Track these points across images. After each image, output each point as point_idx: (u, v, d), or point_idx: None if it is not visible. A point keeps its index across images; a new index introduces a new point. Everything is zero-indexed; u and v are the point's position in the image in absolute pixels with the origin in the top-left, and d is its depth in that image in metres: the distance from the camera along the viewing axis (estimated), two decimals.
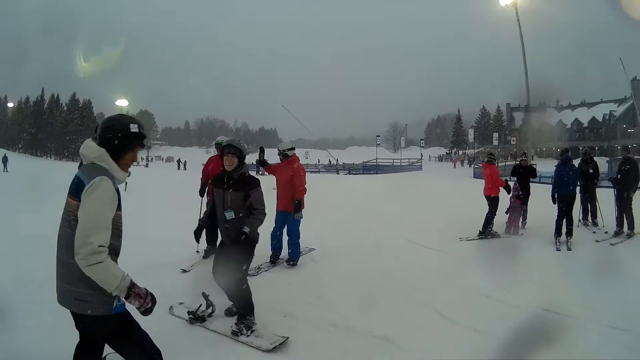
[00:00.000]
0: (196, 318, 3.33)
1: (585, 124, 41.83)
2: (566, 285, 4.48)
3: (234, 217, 3.15)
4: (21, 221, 6.29)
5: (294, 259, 5.08)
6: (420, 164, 38.40)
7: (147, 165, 41.56)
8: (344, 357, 2.96)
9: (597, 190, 7.62)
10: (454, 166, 40.95)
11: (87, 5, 52.51)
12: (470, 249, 6.09)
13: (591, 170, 7.45)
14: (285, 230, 5.12)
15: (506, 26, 34.29)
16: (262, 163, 5.33)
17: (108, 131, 1.90)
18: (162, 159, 51.52)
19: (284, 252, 5.14)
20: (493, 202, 6.81)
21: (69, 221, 1.79)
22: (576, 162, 7.20)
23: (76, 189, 1.80)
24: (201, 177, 5.47)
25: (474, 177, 23.78)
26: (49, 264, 1.92)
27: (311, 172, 20.56)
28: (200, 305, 3.39)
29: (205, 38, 64.64)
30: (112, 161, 1.87)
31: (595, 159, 7.98)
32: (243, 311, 3.18)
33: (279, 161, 5.28)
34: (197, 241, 3.68)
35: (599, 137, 40.10)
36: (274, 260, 5.06)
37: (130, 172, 2.02)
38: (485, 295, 4.11)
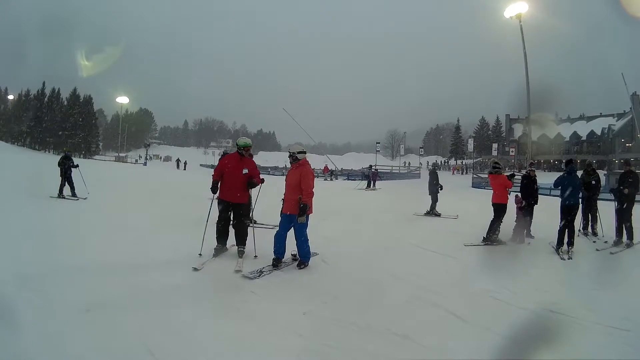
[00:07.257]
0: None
1: (584, 137, 42.34)
2: (570, 290, 4.68)
3: None
4: None
5: (304, 261, 5.12)
6: (418, 172, 38.67)
7: (145, 164, 41.40)
8: (367, 353, 3.04)
9: (598, 201, 7.82)
10: (453, 173, 41.50)
11: (90, 3, 52.61)
12: (476, 255, 6.22)
13: (593, 182, 7.66)
14: (291, 234, 5.08)
15: (508, 38, 34.57)
16: None
17: None
18: (160, 158, 51.21)
19: (287, 256, 5.17)
20: (500, 209, 6.88)
21: None
22: (578, 174, 7.30)
23: None
24: (213, 174, 5.47)
25: (473, 186, 24.03)
26: None
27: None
28: None
29: (206, 40, 64.81)
30: None
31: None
32: None
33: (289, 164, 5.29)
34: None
35: (597, 151, 40.54)
36: (276, 264, 5.01)
37: None
38: (494, 297, 4.26)
